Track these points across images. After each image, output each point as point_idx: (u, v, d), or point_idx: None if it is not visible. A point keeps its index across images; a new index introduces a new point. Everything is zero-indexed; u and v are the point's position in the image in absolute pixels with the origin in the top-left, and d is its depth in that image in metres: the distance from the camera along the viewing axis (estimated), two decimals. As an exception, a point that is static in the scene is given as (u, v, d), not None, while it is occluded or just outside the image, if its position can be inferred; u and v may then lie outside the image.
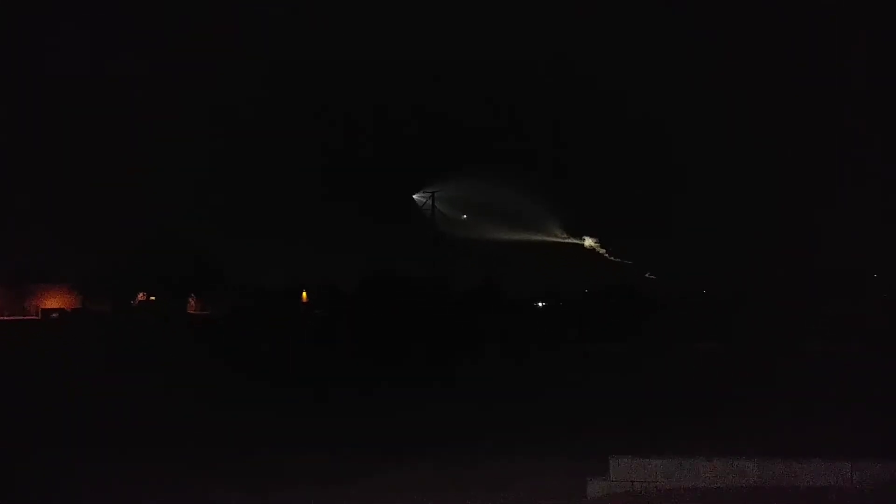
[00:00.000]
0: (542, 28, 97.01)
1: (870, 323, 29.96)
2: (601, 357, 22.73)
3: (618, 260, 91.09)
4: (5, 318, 51.12)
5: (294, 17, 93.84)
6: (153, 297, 55.33)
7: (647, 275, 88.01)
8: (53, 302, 55.44)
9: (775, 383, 15.63)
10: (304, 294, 62.88)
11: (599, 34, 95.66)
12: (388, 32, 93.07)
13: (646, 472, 7.41)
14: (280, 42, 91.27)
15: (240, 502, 8.14)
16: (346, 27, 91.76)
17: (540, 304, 63.69)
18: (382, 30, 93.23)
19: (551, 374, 19.35)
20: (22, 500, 8.28)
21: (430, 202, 60.01)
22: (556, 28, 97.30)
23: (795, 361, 19.80)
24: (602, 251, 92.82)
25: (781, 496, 6.88)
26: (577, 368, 20.16)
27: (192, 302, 60.07)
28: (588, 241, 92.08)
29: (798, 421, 10.35)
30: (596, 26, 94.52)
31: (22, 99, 76.16)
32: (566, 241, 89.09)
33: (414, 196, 63.39)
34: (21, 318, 51.66)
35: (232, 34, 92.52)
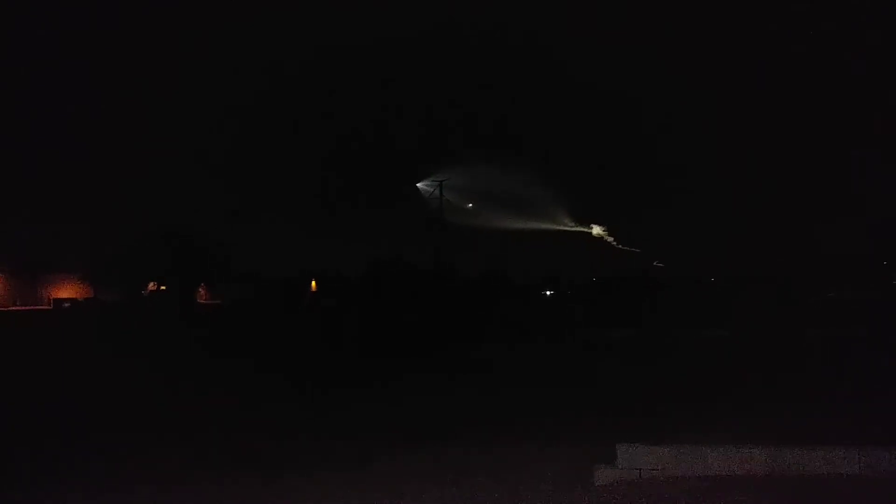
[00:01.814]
0: (548, 23, 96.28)
1: (877, 308, 29.82)
2: (608, 344, 22.72)
3: (626, 248, 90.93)
4: (18, 307, 51.64)
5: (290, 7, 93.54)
6: (164, 287, 55.58)
7: (655, 263, 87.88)
8: (66, 292, 55.91)
9: (783, 370, 15.62)
10: (314, 283, 63.04)
11: (601, 34, 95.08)
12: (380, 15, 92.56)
13: (654, 460, 7.45)
14: (276, 34, 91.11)
15: (251, 490, 8.20)
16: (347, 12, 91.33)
17: (548, 293, 63.58)
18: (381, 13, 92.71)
19: (558, 361, 19.36)
20: (26, 498, 8.23)
21: (437, 191, 59.76)
22: (560, 25, 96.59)
23: (803, 348, 19.78)
24: (610, 239, 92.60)
25: (790, 484, 6.91)
26: (584, 356, 20.17)
27: (203, 291, 60.34)
28: (596, 230, 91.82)
29: (806, 408, 10.34)
30: (599, 26, 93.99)
31: (30, 93, 76.48)
32: (574, 229, 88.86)
33: (420, 185, 63.10)
34: (34, 307, 52.18)
35: (227, 28, 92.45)
